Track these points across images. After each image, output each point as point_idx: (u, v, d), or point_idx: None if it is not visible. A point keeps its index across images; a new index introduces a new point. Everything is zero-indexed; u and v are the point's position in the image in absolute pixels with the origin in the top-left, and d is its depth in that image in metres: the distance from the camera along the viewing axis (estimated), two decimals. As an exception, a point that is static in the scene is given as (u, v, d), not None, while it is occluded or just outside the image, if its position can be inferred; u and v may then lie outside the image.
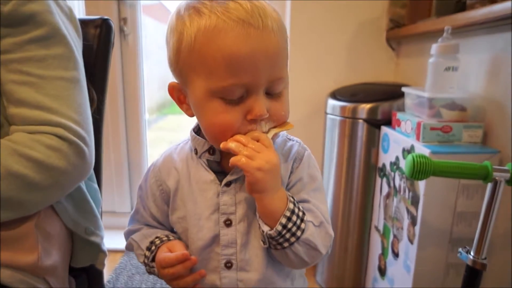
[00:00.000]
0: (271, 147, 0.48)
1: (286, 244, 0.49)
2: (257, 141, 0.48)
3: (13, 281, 0.53)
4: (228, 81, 0.46)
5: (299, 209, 0.50)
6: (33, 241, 0.56)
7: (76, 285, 0.68)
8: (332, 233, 0.54)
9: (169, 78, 0.55)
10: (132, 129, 1.84)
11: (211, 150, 0.55)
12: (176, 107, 0.56)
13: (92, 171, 0.64)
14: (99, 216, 0.69)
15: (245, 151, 0.46)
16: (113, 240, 1.62)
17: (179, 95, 0.54)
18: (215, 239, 0.55)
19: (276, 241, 0.49)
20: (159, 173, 0.59)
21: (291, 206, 0.49)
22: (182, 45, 0.47)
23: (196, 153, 0.56)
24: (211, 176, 0.55)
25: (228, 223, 0.54)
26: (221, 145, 0.48)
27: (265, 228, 0.49)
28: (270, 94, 0.49)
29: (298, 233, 0.49)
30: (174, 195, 0.57)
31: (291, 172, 0.55)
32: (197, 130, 0.58)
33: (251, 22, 0.44)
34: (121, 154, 1.82)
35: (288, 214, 0.49)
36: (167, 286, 0.56)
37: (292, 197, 0.51)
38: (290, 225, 0.48)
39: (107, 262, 0.72)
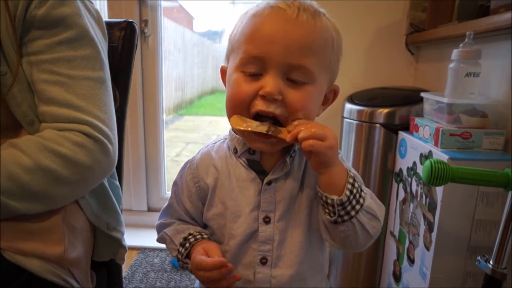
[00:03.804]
0: (323, 125, 0.50)
1: (353, 213, 0.50)
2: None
3: (42, 271, 0.55)
4: (247, 51, 0.51)
5: (355, 179, 0.52)
6: (60, 234, 0.59)
7: (96, 278, 0.70)
8: (382, 205, 0.57)
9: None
10: (150, 129, 1.87)
11: (251, 150, 0.58)
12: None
13: (114, 168, 0.66)
14: (120, 212, 0.71)
15: (311, 134, 0.48)
16: (129, 237, 1.65)
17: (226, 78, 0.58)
18: (253, 235, 0.57)
19: (344, 209, 0.50)
20: (196, 170, 0.61)
21: (351, 174, 0.52)
22: (234, 31, 0.55)
23: (236, 152, 0.58)
24: (252, 174, 0.57)
25: (267, 220, 0.56)
26: (289, 138, 0.49)
27: (334, 197, 0.50)
28: (292, 82, 0.51)
29: (361, 200, 0.51)
30: (212, 192, 0.59)
31: None
32: None
33: (287, 11, 0.50)
34: (139, 154, 1.86)
35: (351, 180, 0.51)
36: (180, 285, 0.58)
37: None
38: (354, 190, 0.51)
39: (125, 258, 0.74)
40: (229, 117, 0.54)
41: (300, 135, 0.48)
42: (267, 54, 0.49)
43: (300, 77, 0.51)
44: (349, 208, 0.50)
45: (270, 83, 0.49)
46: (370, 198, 0.54)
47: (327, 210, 0.52)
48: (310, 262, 0.59)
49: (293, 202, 0.57)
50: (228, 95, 0.54)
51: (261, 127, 0.50)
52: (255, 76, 0.51)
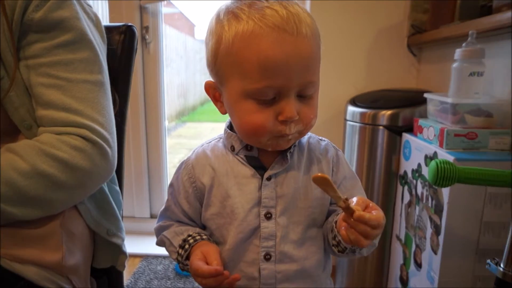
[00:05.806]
0: (379, 209, 0.49)
1: (358, 250, 0.55)
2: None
3: (39, 278, 0.54)
4: (262, 83, 0.49)
5: None
6: (58, 240, 0.58)
7: (97, 285, 0.68)
8: None
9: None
10: (152, 136, 1.87)
11: (249, 146, 0.57)
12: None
13: (114, 173, 0.65)
14: (120, 218, 0.70)
15: (370, 236, 0.47)
16: (132, 244, 1.64)
17: (215, 93, 0.57)
18: (255, 231, 0.56)
19: (351, 249, 0.55)
20: (192, 170, 0.60)
21: None
22: (220, 48, 0.51)
23: (233, 150, 0.58)
24: (251, 171, 0.57)
25: (268, 216, 0.56)
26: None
27: (349, 245, 0.53)
28: (301, 97, 0.52)
29: None
30: (209, 192, 0.59)
31: (332, 171, 0.60)
32: (231, 127, 0.60)
33: (286, 29, 0.47)
34: (141, 161, 1.85)
35: None
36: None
37: None
38: None
39: (126, 265, 0.73)
40: (247, 140, 0.56)
41: (373, 223, 0.46)
42: (283, 82, 0.49)
43: (309, 91, 0.52)
44: (355, 247, 0.54)
45: (288, 107, 0.50)
46: None
47: (335, 244, 0.55)
48: (313, 257, 0.59)
49: (295, 196, 0.57)
50: (243, 122, 0.53)
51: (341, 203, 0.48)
52: (268, 101, 0.50)
